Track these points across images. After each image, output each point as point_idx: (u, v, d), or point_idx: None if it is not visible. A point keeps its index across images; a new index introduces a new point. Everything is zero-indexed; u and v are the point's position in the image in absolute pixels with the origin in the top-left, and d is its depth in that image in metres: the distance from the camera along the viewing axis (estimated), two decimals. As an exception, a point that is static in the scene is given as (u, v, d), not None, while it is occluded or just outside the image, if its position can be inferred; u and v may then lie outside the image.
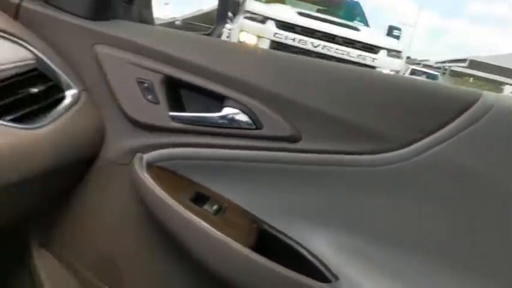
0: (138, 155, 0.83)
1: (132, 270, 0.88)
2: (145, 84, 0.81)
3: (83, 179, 0.88)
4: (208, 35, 1.23)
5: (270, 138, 0.78)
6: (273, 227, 0.78)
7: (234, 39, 5.55)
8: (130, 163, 0.82)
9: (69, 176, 0.86)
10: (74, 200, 0.90)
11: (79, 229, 0.92)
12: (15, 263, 0.95)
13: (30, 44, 0.76)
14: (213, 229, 0.71)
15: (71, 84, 0.81)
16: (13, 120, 0.68)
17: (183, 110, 0.84)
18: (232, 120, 0.79)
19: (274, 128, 0.77)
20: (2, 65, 0.68)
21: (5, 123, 0.67)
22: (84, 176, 0.88)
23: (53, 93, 0.78)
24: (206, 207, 0.78)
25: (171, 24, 1.61)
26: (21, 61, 0.73)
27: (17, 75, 0.71)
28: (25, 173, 0.70)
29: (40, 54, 0.77)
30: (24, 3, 0.82)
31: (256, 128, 0.78)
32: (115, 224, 0.88)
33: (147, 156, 0.83)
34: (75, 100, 0.80)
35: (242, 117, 0.79)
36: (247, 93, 0.78)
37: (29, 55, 0.75)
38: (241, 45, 1.10)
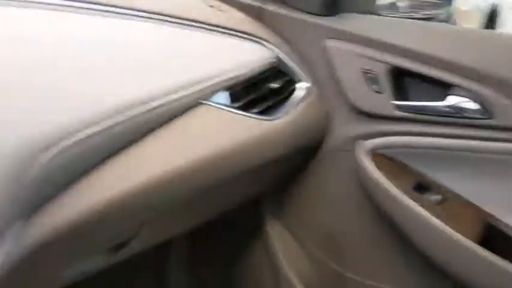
0: (361, 142, 0.87)
1: (353, 250, 0.95)
2: (371, 75, 0.85)
3: (309, 163, 0.98)
4: (429, 18, 1.19)
5: (503, 129, 0.73)
6: (502, 223, 0.74)
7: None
8: (353, 150, 0.88)
9: (298, 159, 0.96)
10: (302, 180, 1.01)
11: (306, 206, 1.02)
12: (253, 231, 1.11)
13: (271, 44, 0.87)
14: (435, 219, 0.72)
15: (304, 77, 0.89)
16: (257, 113, 0.80)
17: (407, 99, 0.85)
18: (459, 109, 0.77)
19: (509, 118, 0.72)
20: (250, 65, 0.80)
21: (252, 115, 0.79)
22: (311, 160, 0.97)
23: (288, 87, 0.88)
24: (428, 196, 0.79)
25: (392, 5, 1.59)
26: (264, 60, 0.84)
27: (261, 72, 0.83)
28: (266, 158, 0.82)
29: (279, 52, 0.87)
30: (265, 6, 0.93)
31: (487, 118, 0.75)
32: (337, 206, 0.96)
33: (370, 143, 0.87)
34: (307, 92, 0.89)
35: (470, 106, 0.76)
36: (476, 80, 0.75)
37: (270, 54, 0.86)
38: (469, 29, 1.03)
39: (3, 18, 0.54)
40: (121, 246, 0.74)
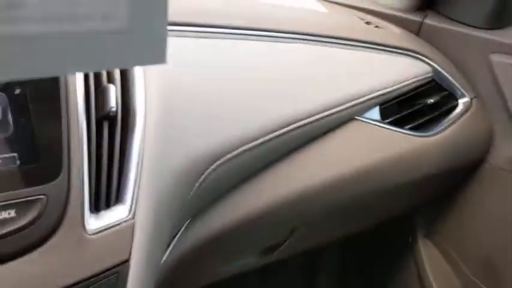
0: None
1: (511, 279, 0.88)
2: None
3: (466, 181, 0.93)
4: None
5: None
6: None
7: None
8: None
9: (455, 177, 0.93)
10: (457, 199, 0.96)
11: (460, 227, 0.97)
12: (403, 248, 1.09)
13: (429, 58, 0.85)
14: None
15: (464, 92, 0.86)
16: (411, 129, 0.80)
17: None
18: None
19: None
20: (406, 80, 0.80)
21: (405, 131, 0.79)
22: (468, 178, 0.93)
23: (446, 102, 0.86)
24: None
25: None
26: (421, 75, 0.83)
27: (416, 88, 0.82)
28: (418, 174, 0.81)
29: (437, 67, 0.85)
30: (426, 20, 0.92)
31: None
32: (498, 228, 0.90)
33: None
34: (467, 108, 0.85)
35: None
36: None
37: (427, 68, 0.84)
38: None
39: (195, 48, 0.63)
40: (273, 249, 0.81)
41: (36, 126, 0.39)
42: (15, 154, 0.38)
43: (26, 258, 0.37)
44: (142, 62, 0.27)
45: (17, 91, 0.38)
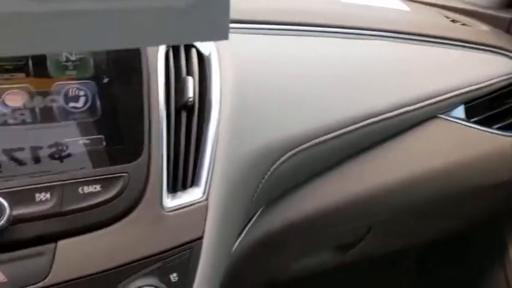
0: None
1: None
2: None
3: None
4: None
5: None
6: None
7: None
8: None
9: None
10: None
11: None
12: (492, 255, 1.02)
13: None
14: None
15: None
16: (500, 128, 0.75)
17: None
18: None
19: None
20: (494, 78, 0.76)
21: (493, 130, 0.75)
22: None
23: None
24: None
25: None
26: (511, 73, 0.78)
27: (506, 86, 0.77)
28: (507, 175, 0.76)
29: None
30: None
31: None
32: None
33: None
34: None
35: None
36: None
37: None
38: None
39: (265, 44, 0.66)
40: (348, 247, 0.79)
41: (121, 112, 0.43)
42: (102, 136, 0.42)
43: (110, 228, 0.41)
44: (205, 38, 0.29)
45: (105, 80, 0.43)
